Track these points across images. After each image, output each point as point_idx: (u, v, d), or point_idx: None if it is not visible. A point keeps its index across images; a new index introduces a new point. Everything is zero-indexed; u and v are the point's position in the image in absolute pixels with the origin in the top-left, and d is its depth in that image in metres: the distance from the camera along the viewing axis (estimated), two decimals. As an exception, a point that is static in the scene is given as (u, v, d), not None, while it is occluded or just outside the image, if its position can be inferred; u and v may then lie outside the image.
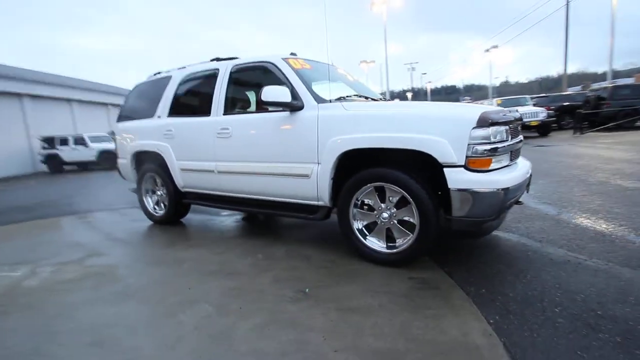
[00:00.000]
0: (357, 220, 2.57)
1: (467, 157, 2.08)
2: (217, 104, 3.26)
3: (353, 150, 2.45)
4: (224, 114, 3.21)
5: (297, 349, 1.62)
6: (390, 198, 2.41)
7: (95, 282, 2.52)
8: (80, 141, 14.62)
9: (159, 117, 3.81)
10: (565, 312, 1.77)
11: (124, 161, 4.29)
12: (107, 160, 14.43)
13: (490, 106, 2.38)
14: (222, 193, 3.37)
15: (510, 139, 2.30)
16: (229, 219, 4.24)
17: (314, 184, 2.65)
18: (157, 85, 4.02)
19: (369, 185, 2.43)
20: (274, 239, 3.32)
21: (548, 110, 13.11)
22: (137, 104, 4.25)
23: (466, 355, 1.52)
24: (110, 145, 14.76)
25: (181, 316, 1.96)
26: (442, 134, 2.12)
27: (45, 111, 17.23)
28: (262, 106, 2.89)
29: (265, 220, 4.12)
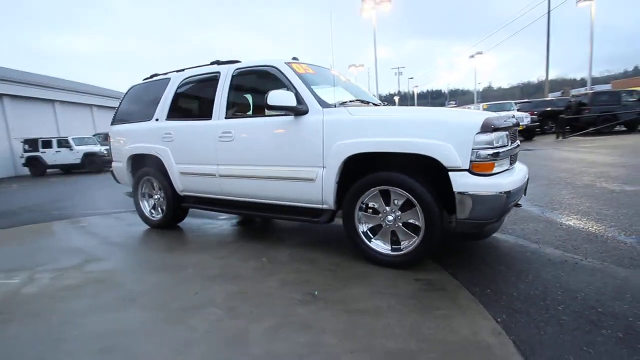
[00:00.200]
0: (362, 223, 2.60)
1: (471, 161, 2.15)
2: (218, 107, 3.25)
3: (358, 154, 2.49)
4: (225, 118, 3.20)
5: (312, 351, 1.64)
6: (395, 201, 2.45)
7: (96, 289, 2.47)
8: (64, 143, 14.23)
9: (157, 119, 3.77)
10: (568, 310, 1.85)
11: (119, 164, 4.22)
12: (92, 163, 14.12)
13: (490, 112, 2.46)
14: (224, 197, 3.36)
15: (510, 143, 2.39)
16: (226, 223, 4.22)
17: (319, 188, 2.68)
18: (154, 87, 3.98)
19: (374, 188, 2.47)
20: (275, 243, 3.32)
21: (532, 115, 13.55)
22: (133, 107, 4.19)
23: (478, 354, 1.57)
24: (95, 148, 14.45)
25: (191, 321, 1.95)
26: (447, 139, 2.18)
27: (27, 112, 16.71)
28: (265, 110, 2.91)
29: (262, 224, 4.12)
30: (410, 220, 2.43)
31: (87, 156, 14.05)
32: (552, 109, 15.48)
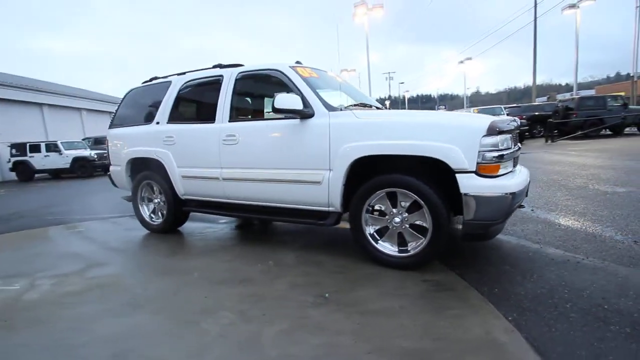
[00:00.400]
0: (369, 226, 2.62)
1: (477, 163, 2.20)
2: (222, 110, 3.25)
3: (365, 157, 2.51)
4: (229, 121, 3.20)
5: (329, 352, 1.64)
6: (402, 203, 2.48)
7: (100, 294, 2.43)
8: (52, 148, 13.95)
9: (157, 123, 3.75)
10: (576, 307, 1.90)
11: (118, 168, 4.17)
12: (82, 168, 13.87)
13: (493, 116, 2.52)
14: (227, 200, 3.34)
15: (513, 146, 2.45)
16: (226, 227, 4.20)
17: (325, 190, 2.70)
18: (154, 90, 3.95)
19: (381, 190, 2.50)
20: (279, 246, 3.32)
21: (521, 119, 13.86)
22: (133, 110, 4.16)
23: (493, 352, 1.60)
24: (85, 153, 14.20)
25: (203, 324, 1.93)
26: (454, 141, 2.22)
27: (14, 116, 16.34)
28: (265, 113, 2.91)
29: (261, 227, 4.11)
30: (417, 222, 2.46)
31: (77, 161, 13.79)
32: (540, 113, 15.85)
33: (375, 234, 2.62)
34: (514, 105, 19.06)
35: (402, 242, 2.55)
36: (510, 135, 2.39)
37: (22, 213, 6.01)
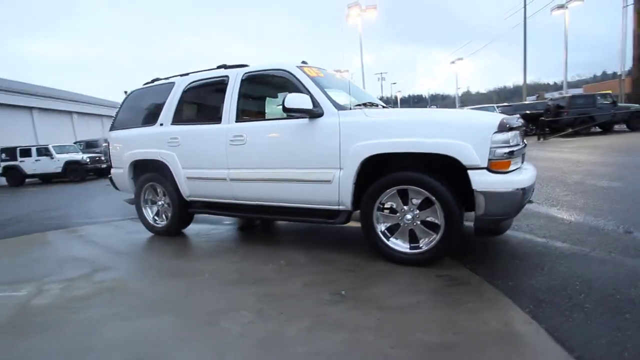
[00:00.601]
0: (380, 223, 2.64)
1: (489, 159, 2.23)
2: (228, 110, 3.24)
3: (375, 156, 2.53)
4: (236, 121, 3.20)
5: (353, 348, 1.65)
6: (413, 200, 2.51)
7: (111, 297, 2.40)
8: (44, 152, 13.70)
9: (161, 124, 3.72)
10: (589, 298, 1.94)
11: (120, 171, 4.12)
12: (75, 172, 13.65)
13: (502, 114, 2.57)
14: (234, 201, 3.33)
15: (521, 143, 2.49)
16: (230, 228, 4.18)
17: (336, 189, 2.71)
18: (157, 92, 3.92)
19: (393, 188, 2.52)
20: (288, 245, 3.32)
21: (514, 118, 14.04)
22: (134, 112, 4.12)
23: (514, 343, 1.63)
24: (77, 156, 13.99)
25: (222, 324, 1.93)
26: (466, 138, 2.26)
27: (3, 120, 16.03)
28: (266, 113, 2.88)
29: (263, 227, 4.11)
30: (429, 219, 2.48)
31: (69, 165, 13.57)
32: (531, 112, 16.10)
33: (386, 231, 2.64)
34: (506, 104, 19.34)
35: (413, 239, 2.57)
36: (519, 132, 2.44)
37: (18, 218, 5.89)
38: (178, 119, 3.64)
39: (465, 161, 2.25)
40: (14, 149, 13.67)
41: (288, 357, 1.62)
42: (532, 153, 9.34)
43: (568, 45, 22.35)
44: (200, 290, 2.41)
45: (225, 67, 3.51)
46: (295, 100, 2.64)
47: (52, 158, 13.57)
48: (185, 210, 3.74)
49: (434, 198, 2.39)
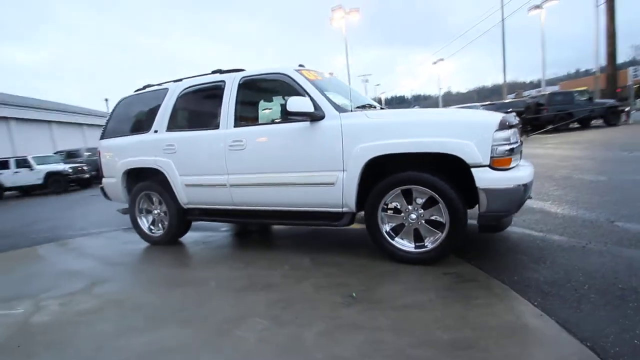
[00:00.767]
0: (385, 224, 2.67)
1: (491, 157, 2.29)
2: (226, 116, 3.21)
3: (380, 157, 2.55)
4: (234, 127, 3.17)
5: (374, 349, 1.66)
6: (418, 200, 2.54)
7: (118, 310, 2.34)
8: (22, 163, 13.21)
9: (156, 131, 3.65)
10: (594, 289, 2.01)
11: (112, 180, 4.01)
12: (56, 183, 13.21)
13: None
14: (234, 207, 3.30)
15: (519, 140, 2.57)
16: (228, 235, 4.14)
17: (339, 191, 2.72)
18: (149, 98, 3.86)
19: (397, 188, 2.55)
20: (291, 250, 3.30)
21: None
22: (126, 119, 4.03)
23: (529, 335, 1.67)
24: (59, 167, 13.54)
25: (237, 332, 1.90)
26: (468, 137, 2.31)
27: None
28: (258, 118, 2.87)
29: (262, 232, 4.08)
30: (434, 217, 2.52)
31: (51, 176, 13.12)
32: (512, 109, 16.55)
33: (390, 231, 2.67)
34: (488, 102, 19.81)
35: (417, 238, 2.61)
36: (517, 129, 2.51)
37: (4, 232, 5.65)
38: (173, 126, 3.59)
39: (468, 159, 2.30)
40: (-9, 161, 13.12)
41: (310, 362, 1.61)
42: (517, 150, 9.62)
43: (542, 44, 23.12)
44: (210, 299, 2.38)
45: (220, 72, 3.48)
46: (296, 103, 2.64)
47: (32, 169, 13.09)
48: (182, 218, 3.68)
49: (438, 197, 2.43)
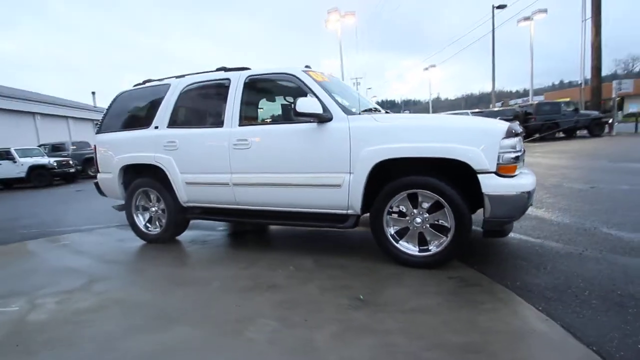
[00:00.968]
0: (390, 227, 2.69)
1: (497, 164, 2.34)
2: (231, 114, 3.18)
3: (387, 160, 2.58)
4: (239, 125, 3.15)
5: (387, 351, 1.67)
6: (423, 204, 2.58)
7: (120, 309, 2.29)
8: (5, 155, 12.75)
9: (156, 127, 3.59)
10: (594, 295, 2.07)
11: (108, 176, 3.92)
12: (40, 177, 12.82)
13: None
14: (236, 206, 3.27)
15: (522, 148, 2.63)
16: (226, 234, 4.09)
17: (345, 193, 2.73)
18: (150, 94, 3.79)
19: (404, 192, 2.58)
20: (293, 250, 3.28)
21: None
22: (125, 114, 3.95)
23: (538, 340, 1.71)
24: (43, 160, 13.14)
25: (247, 333, 1.89)
26: (476, 143, 2.35)
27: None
28: (258, 116, 2.85)
29: (256, 232, 4.06)
30: (439, 222, 2.55)
31: (34, 169, 12.72)
32: (502, 118, 16.94)
33: (395, 234, 2.69)
34: (477, 110, 20.20)
35: (422, 242, 2.64)
36: (521, 137, 2.57)
37: (-15, 227, 5.44)
38: (175, 122, 3.53)
39: (475, 166, 2.34)
40: (-29, 153, 12.63)
41: (323, 364, 1.61)
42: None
43: (529, 55, 23.74)
44: (215, 299, 2.35)
45: (225, 69, 3.45)
46: (306, 104, 2.64)
47: (15, 162, 12.66)
48: (181, 217, 3.62)
49: (445, 202, 2.46)
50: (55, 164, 12.89)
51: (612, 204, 3.99)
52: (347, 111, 2.79)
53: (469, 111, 17.07)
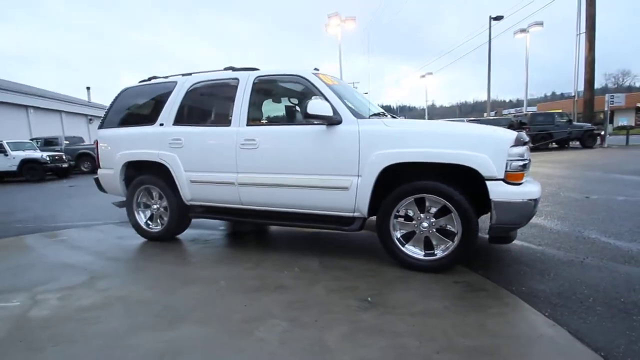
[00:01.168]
0: (397, 230, 2.71)
1: (506, 171, 2.38)
2: (239, 113, 3.18)
3: (395, 165, 2.60)
4: (247, 125, 3.14)
5: (399, 353, 1.68)
6: (431, 208, 2.60)
7: (125, 307, 2.26)
8: (-4, 149, 12.51)
9: (161, 124, 3.56)
10: (598, 302, 2.11)
11: (109, 172, 3.87)
12: (32, 171, 12.60)
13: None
14: (241, 206, 3.26)
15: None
16: (228, 233, 4.07)
17: (353, 196, 2.74)
18: (155, 90, 3.77)
19: (411, 196, 2.60)
20: (298, 252, 3.27)
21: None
22: (129, 110, 3.92)
23: (546, 345, 1.73)
24: (36, 154, 12.93)
25: (258, 333, 1.88)
26: (485, 150, 2.39)
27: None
28: (258, 117, 2.86)
29: (257, 233, 4.05)
30: (446, 227, 2.58)
31: (26, 163, 12.50)
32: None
33: (401, 238, 2.71)
34: (473, 118, 20.46)
35: (427, 246, 2.66)
36: (528, 146, 2.62)
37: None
38: (181, 120, 3.51)
39: (484, 172, 2.38)
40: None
41: (336, 365, 1.61)
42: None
43: (522, 67, 24.16)
44: (222, 298, 2.33)
45: (233, 69, 3.46)
46: (317, 106, 2.65)
47: (7, 155, 12.43)
48: (184, 215, 3.60)
49: (452, 207, 2.49)
50: (48, 159, 12.69)
51: (608, 214, 4.07)
52: (356, 115, 2.81)
53: (465, 119, 17.27)
